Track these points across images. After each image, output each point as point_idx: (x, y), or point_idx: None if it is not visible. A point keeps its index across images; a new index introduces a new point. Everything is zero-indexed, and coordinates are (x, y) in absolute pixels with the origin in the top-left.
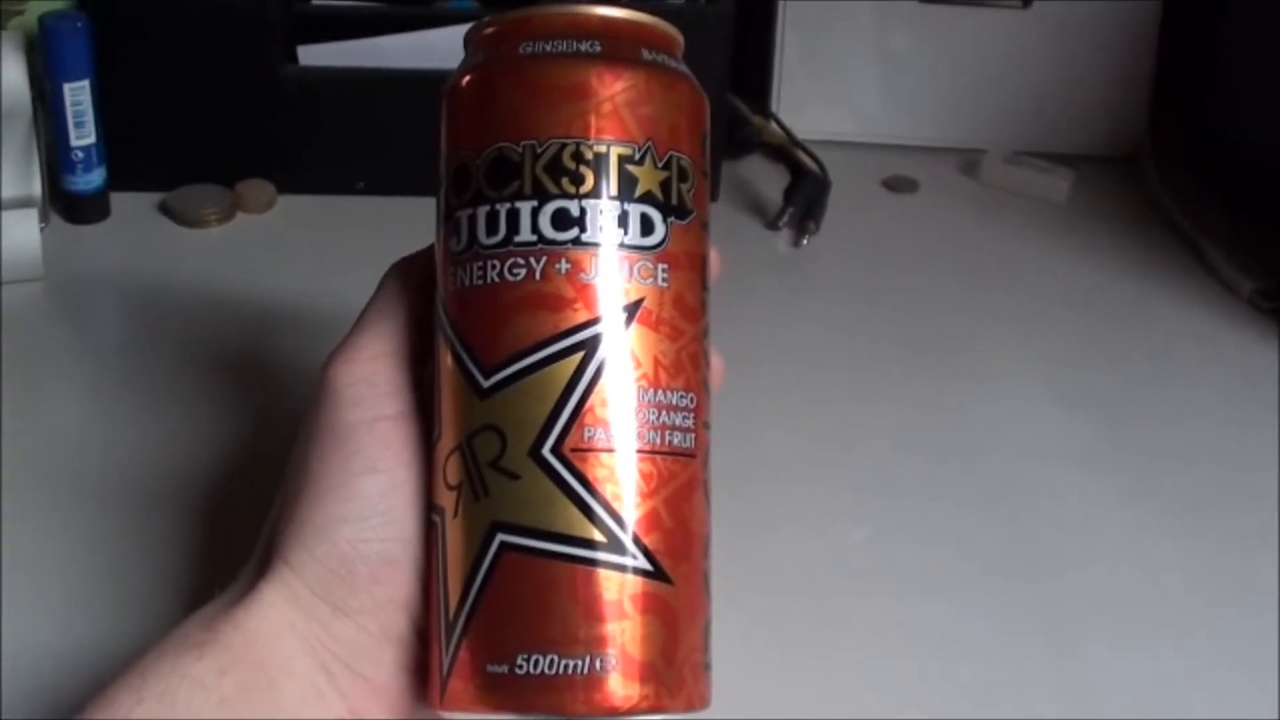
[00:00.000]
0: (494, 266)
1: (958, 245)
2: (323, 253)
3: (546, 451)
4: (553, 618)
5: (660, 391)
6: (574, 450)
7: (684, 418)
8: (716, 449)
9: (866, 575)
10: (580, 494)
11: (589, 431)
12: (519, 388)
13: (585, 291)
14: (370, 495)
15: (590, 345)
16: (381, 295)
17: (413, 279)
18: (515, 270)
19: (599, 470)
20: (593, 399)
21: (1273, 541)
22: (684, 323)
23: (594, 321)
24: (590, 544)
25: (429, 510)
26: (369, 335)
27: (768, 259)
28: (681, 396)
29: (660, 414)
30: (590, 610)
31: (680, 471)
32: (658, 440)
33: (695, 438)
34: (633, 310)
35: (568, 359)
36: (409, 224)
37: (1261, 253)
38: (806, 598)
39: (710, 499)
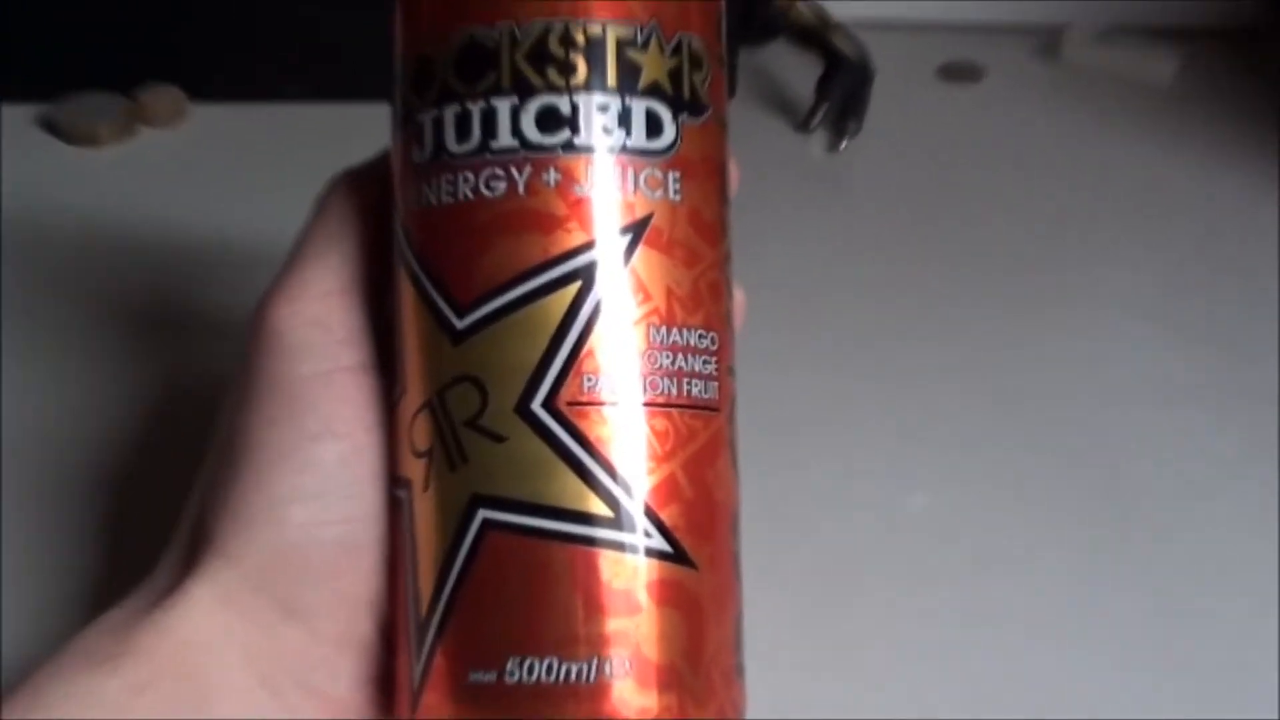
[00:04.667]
0: (466, 180)
1: (1032, 145)
2: (246, 173)
3: (537, 406)
4: (549, 612)
5: (675, 330)
6: (571, 404)
7: (705, 362)
8: (738, 402)
9: (926, 554)
10: (580, 457)
11: (589, 381)
12: (501, 328)
13: (580, 208)
14: (328, 465)
15: (587, 274)
16: (324, 219)
17: (362, 198)
18: (493, 183)
19: (602, 428)
20: (592, 340)
21: None
22: (702, 245)
23: (591, 245)
24: (593, 520)
25: (392, 485)
26: (315, 268)
27: (797, 167)
28: (701, 336)
29: (676, 358)
30: (595, 602)
31: (702, 428)
32: (674, 390)
33: (718, 386)
34: (639, 229)
35: (561, 291)
36: (352, 136)
37: None
38: (853, 583)
39: (738, 462)
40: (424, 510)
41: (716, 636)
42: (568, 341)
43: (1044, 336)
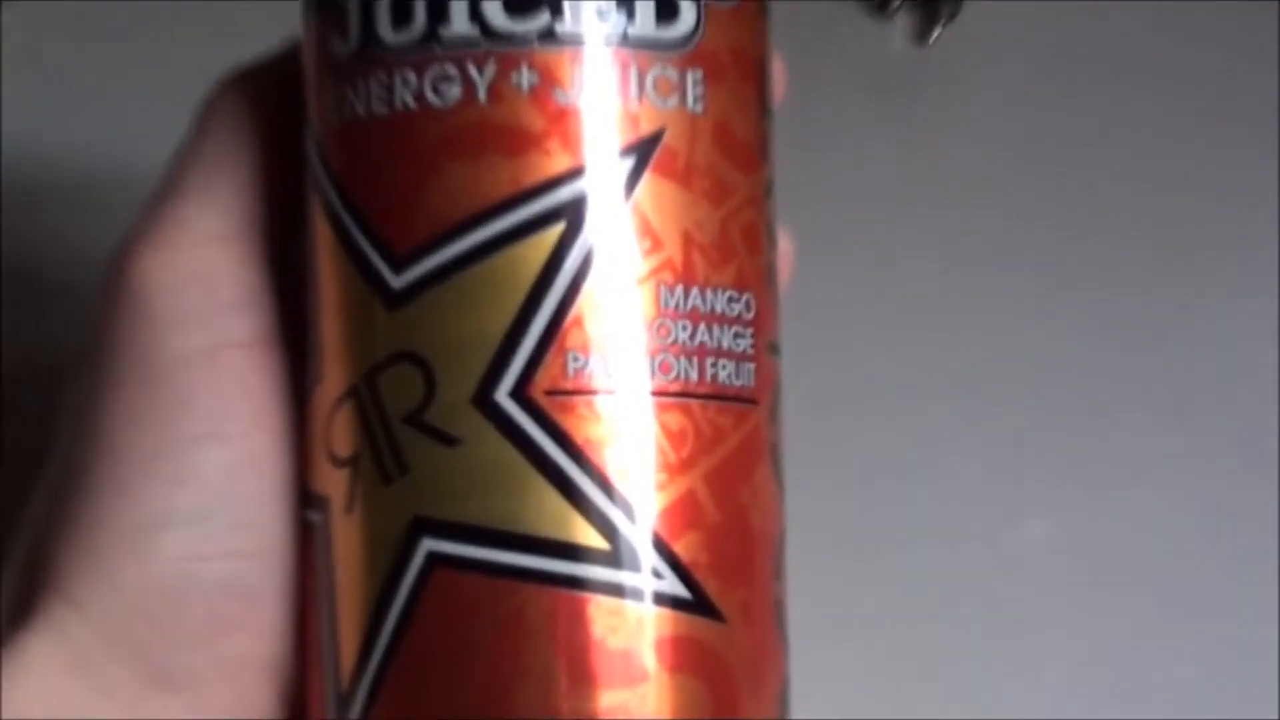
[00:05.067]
0: (406, 82)
1: (1191, 44)
2: (88, 73)
3: (503, 396)
4: (520, 682)
5: (696, 291)
6: (550, 393)
7: (737, 336)
8: (787, 389)
9: (1045, 597)
10: (562, 467)
11: (575, 361)
12: (454, 288)
13: (563, 121)
14: (212, 478)
15: (574, 212)
16: (207, 137)
17: (260, 107)
18: (443, 87)
19: (594, 427)
20: (580, 305)
21: None
22: (734, 172)
23: (579, 172)
24: (581, 553)
25: (303, 504)
26: (195, 205)
27: (872, 66)
28: (732, 299)
29: (697, 329)
30: (583, 667)
31: (733, 428)
32: (693, 374)
33: (755, 370)
34: (645, 151)
35: (536, 237)
36: (245, 21)
37: None
38: (946, 641)
39: (783, 475)
40: (347, 539)
41: (752, 712)
42: (546, 307)
43: (1201, 299)
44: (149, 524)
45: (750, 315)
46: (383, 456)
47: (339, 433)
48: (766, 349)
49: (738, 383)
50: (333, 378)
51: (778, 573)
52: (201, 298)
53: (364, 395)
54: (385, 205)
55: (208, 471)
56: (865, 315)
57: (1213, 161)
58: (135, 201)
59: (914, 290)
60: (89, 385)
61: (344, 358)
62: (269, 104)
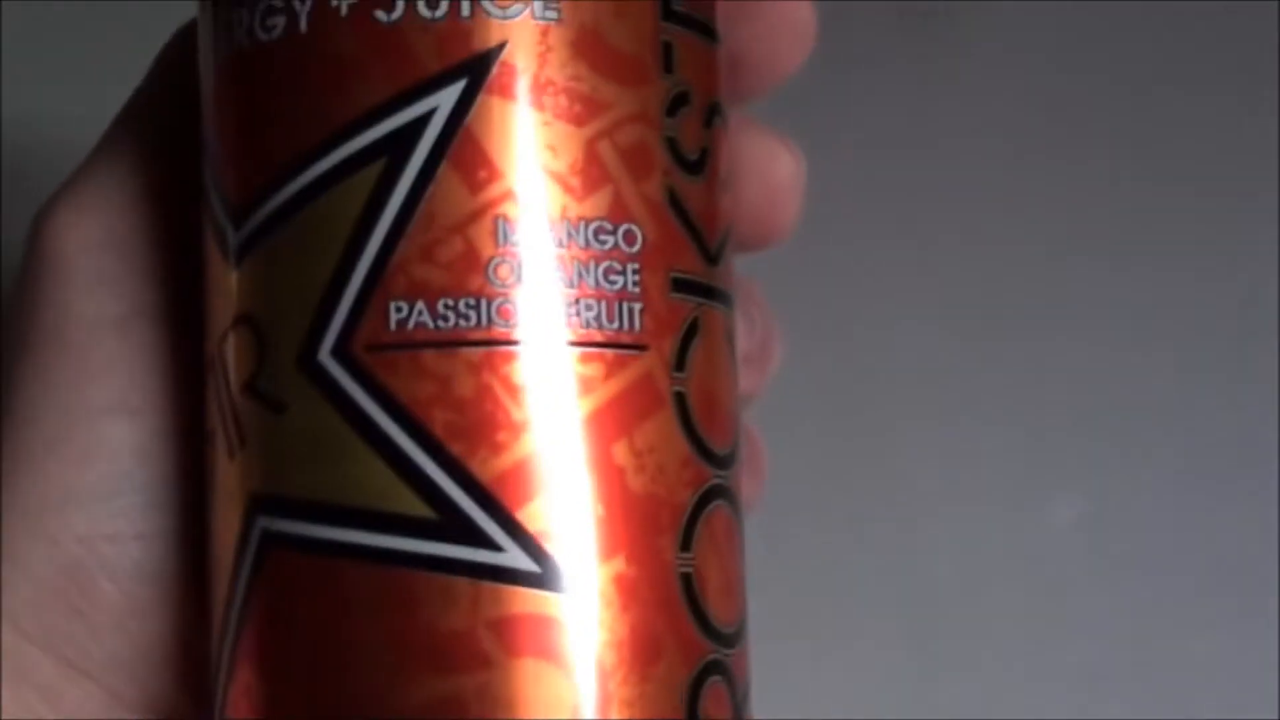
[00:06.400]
0: (240, 21)
1: None
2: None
3: (325, 355)
4: (347, 671)
5: (546, 224)
6: (372, 348)
7: (609, 272)
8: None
9: (1073, 587)
10: (384, 430)
11: (399, 311)
12: (281, 241)
13: (384, 44)
14: (120, 453)
15: (396, 146)
16: (142, 93)
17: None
18: (270, 21)
19: (421, 383)
20: (404, 249)
21: None
22: (605, 85)
23: (401, 99)
24: (408, 524)
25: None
26: (108, 165)
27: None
28: (602, 232)
29: (550, 267)
30: (412, 653)
31: (602, 378)
32: (546, 319)
33: (643, 311)
34: (478, 69)
35: (357, 176)
36: None
37: None
38: (980, 619)
39: (703, 428)
40: (210, 523)
41: (636, 703)
42: (367, 253)
43: (1261, 278)
44: (56, 501)
45: (633, 249)
46: (228, 430)
47: (207, 407)
48: (666, 286)
49: (611, 325)
50: (206, 347)
51: (685, 542)
52: (113, 263)
53: (215, 364)
54: (225, 155)
55: (115, 447)
56: (877, 282)
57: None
58: (59, 164)
59: (943, 260)
60: (5, 350)
61: (208, 326)
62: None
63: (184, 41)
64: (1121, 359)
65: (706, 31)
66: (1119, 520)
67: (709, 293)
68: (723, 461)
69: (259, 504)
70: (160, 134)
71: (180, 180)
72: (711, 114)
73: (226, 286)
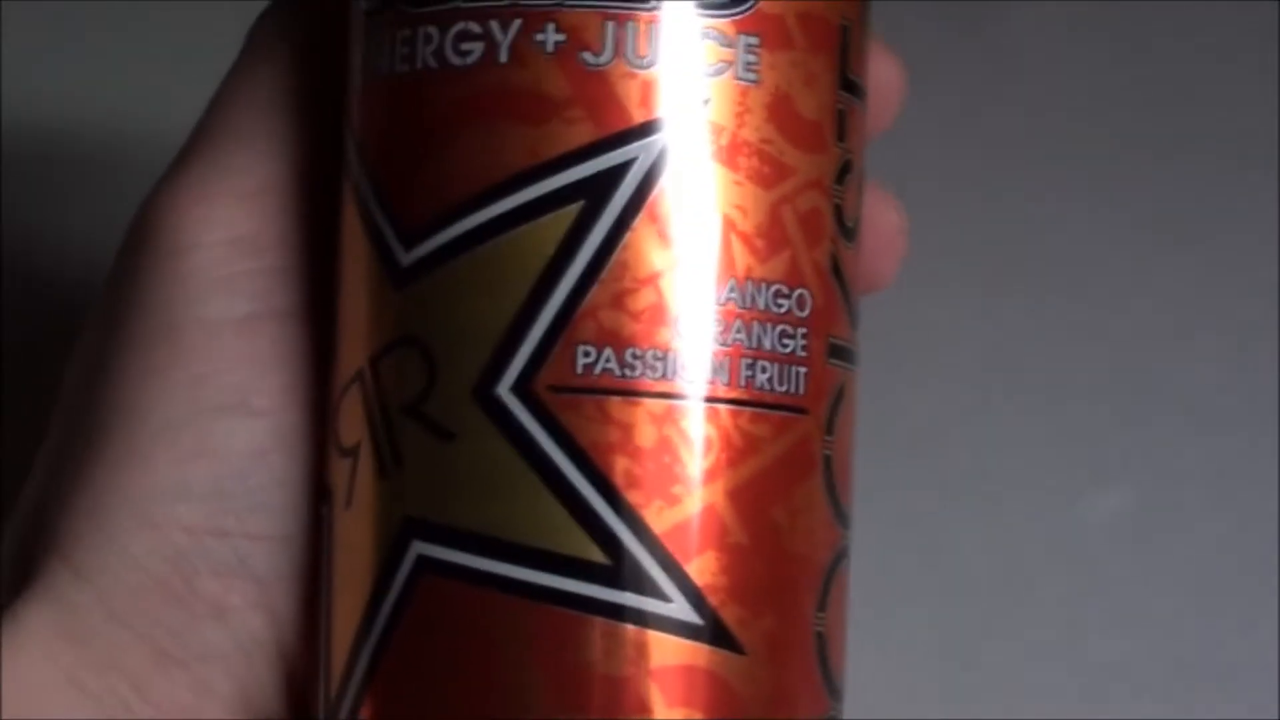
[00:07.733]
0: (428, 39)
1: None
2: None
3: (504, 390)
4: (503, 699)
5: (733, 284)
6: (556, 389)
7: (784, 336)
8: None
9: (1116, 581)
10: (564, 472)
11: (586, 356)
12: (460, 269)
13: (590, 88)
14: (236, 453)
15: (596, 191)
16: (252, 73)
17: (314, 55)
18: (464, 46)
19: (603, 429)
20: (596, 295)
21: None
22: (791, 151)
23: (603, 145)
24: (579, 568)
25: (318, 496)
26: (236, 152)
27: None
28: (780, 295)
29: (732, 328)
30: (575, 693)
31: (771, 439)
32: (724, 378)
33: (808, 375)
34: (682, 120)
35: (551, 216)
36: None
37: None
38: (1022, 609)
39: (839, 490)
40: (343, 537)
41: None
42: (558, 294)
43: None
44: (163, 493)
45: (804, 314)
46: (380, 448)
47: (345, 419)
48: (825, 352)
49: (781, 389)
50: (345, 359)
51: (822, 603)
52: (243, 261)
53: (367, 380)
54: (400, 174)
55: (230, 446)
56: (928, 282)
57: None
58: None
59: (986, 253)
60: (106, 341)
61: (354, 339)
62: (319, 36)
63: (304, 21)
64: (1163, 351)
65: (864, 97)
66: (1159, 515)
67: (853, 358)
68: (849, 521)
69: (415, 527)
70: (290, 124)
71: (309, 171)
72: (863, 179)
73: (387, 303)
